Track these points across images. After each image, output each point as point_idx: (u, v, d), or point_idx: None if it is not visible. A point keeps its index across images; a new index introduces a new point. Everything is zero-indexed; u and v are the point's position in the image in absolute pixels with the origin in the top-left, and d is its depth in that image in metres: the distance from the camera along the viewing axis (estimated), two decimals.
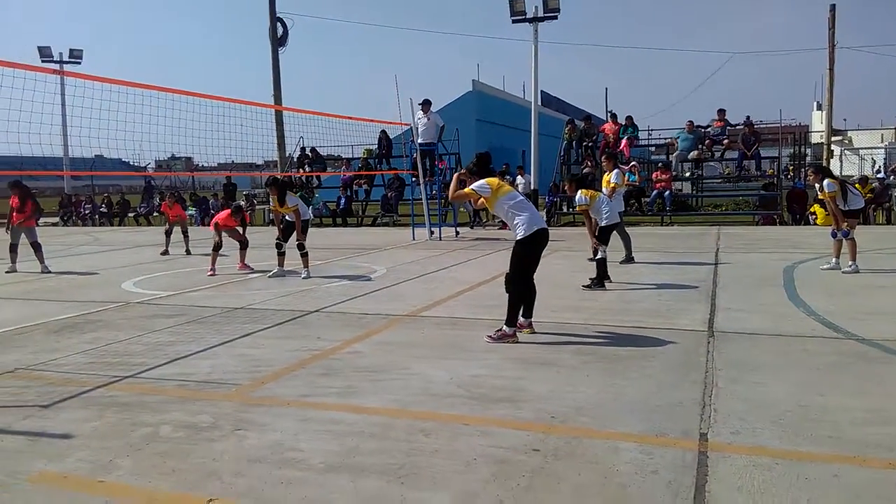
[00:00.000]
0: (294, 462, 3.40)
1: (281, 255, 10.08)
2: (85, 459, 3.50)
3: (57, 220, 27.82)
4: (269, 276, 9.90)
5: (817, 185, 9.49)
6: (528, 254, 5.80)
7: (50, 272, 11.05)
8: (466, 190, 5.93)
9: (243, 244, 10.87)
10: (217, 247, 10.64)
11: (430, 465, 3.32)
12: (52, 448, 3.66)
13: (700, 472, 3.17)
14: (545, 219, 19.40)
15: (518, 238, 5.78)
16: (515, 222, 5.77)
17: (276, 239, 10.16)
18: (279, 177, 12.90)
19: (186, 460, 3.46)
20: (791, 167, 30.91)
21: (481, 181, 5.87)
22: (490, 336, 5.77)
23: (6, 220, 11.92)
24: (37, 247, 11.32)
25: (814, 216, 17.35)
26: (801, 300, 7.27)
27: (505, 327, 5.76)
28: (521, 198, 5.99)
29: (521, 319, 5.91)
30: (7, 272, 11.12)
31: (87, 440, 3.75)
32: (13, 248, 11.40)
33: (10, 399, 4.52)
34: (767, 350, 5.37)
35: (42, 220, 27.28)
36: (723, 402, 4.15)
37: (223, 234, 10.80)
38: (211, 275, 10.18)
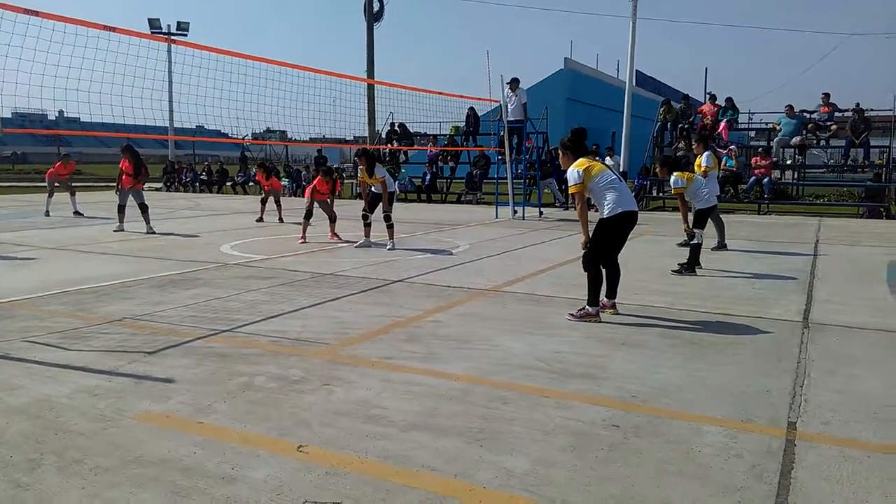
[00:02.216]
0: (377, 418, 3.53)
1: (367, 226, 10.32)
2: (185, 402, 3.75)
3: (160, 185, 29.36)
4: (356, 247, 10.16)
5: None
6: (607, 234, 5.72)
7: (155, 233, 11.73)
8: (576, 194, 5.77)
9: (332, 218, 11.19)
10: (308, 215, 10.98)
11: (509, 432, 3.38)
12: (155, 390, 3.94)
13: (786, 459, 3.09)
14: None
15: (601, 217, 5.72)
16: (604, 202, 5.70)
17: (363, 210, 10.41)
18: (369, 148, 13.18)
19: (278, 408, 3.65)
20: None
21: (572, 171, 5.74)
22: (572, 314, 5.75)
23: (116, 182, 12.70)
24: (144, 208, 12.02)
25: None
26: None
27: (587, 307, 5.73)
28: (614, 177, 5.83)
29: (603, 300, 5.86)
30: (115, 231, 11.88)
31: (188, 385, 4.01)
32: (121, 209, 12.14)
33: (117, 345, 4.87)
34: (865, 344, 5.12)
35: (147, 185, 28.95)
36: (814, 392, 4.00)
37: (315, 204, 11.13)
38: (301, 242, 10.55)
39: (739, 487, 2.83)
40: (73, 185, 16.12)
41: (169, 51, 20.63)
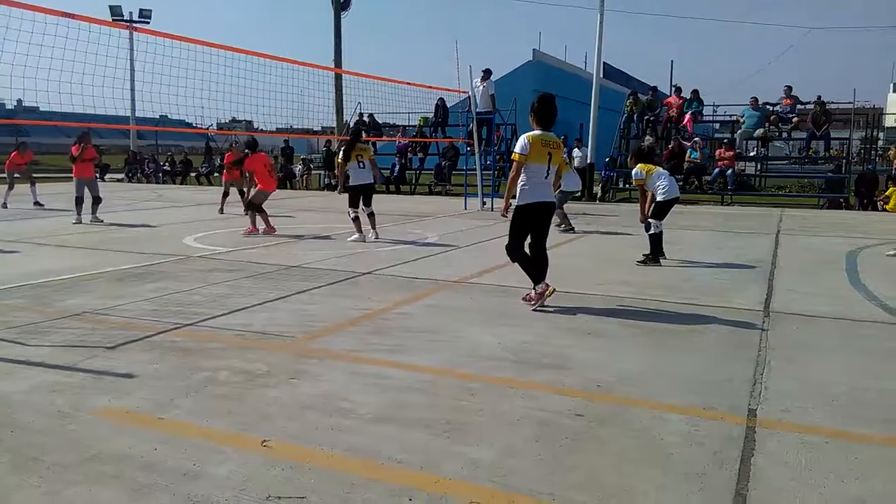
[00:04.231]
0: (344, 411, 3.51)
1: (355, 220, 9.88)
2: (146, 398, 3.68)
3: (122, 176, 28.78)
4: (349, 241, 9.75)
5: None
6: (521, 222, 5.79)
7: (102, 221, 11.67)
8: (515, 163, 5.78)
9: (246, 201, 10.75)
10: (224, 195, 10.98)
11: (475, 423, 3.39)
12: (115, 385, 3.86)
13: (747, 446, 3.15)
14: (599, 194, 18.96)
15: (516, 204, 5.79)
16: (524, 188, 5.74)
17: (352, 211, 9.90)
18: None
19: (242, 403, 3.61)
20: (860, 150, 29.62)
21: (524, 139, 5.71)
22: (528, 298, 5.84)
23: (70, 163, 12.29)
24: (97, 200, 11.82)
25: (886, 201, 16.65)
26: (863, 285, 7.04)
27: (535, 287, 5.82)
28: (540, 167, 5.73)
29: (537, 287, 5.91)
30: (74, 223, 11.61)
31: (149, 380, 3.94)
32: (79, 201, 11.86)
33: (77, 339, 4.77)
34: (825, 333, 5.24)
35: (108, 176, 28.42)
36: (775, 380, 4.09)
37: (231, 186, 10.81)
38: (248, 233, 10.38)
39: (701, 474, 2.88)
40: (34, 175, 15.71)
41: (131, 38, 20.19)
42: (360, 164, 9.92)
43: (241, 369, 4.15)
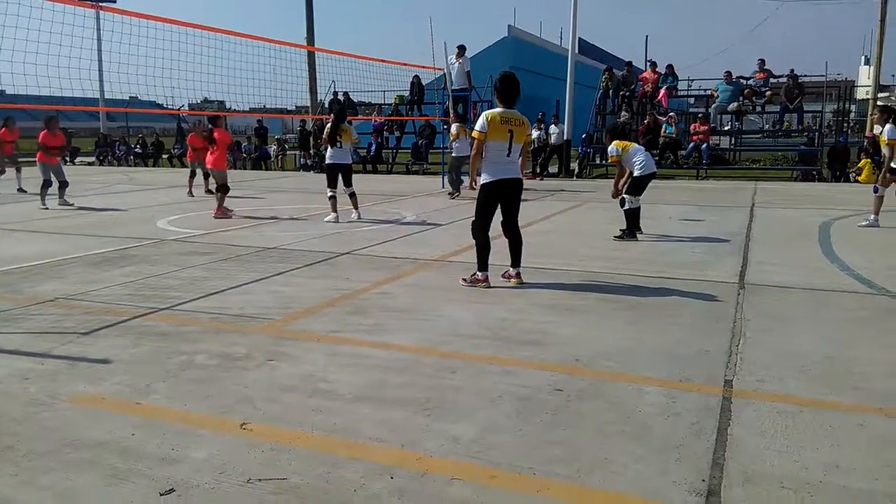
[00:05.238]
0: (324, 392, 3.50)
1: (332, 199, 9.78)
2: (123, 383, 3.63)
3: (93, 159, 28.24)
4: (325, 221, 9.69)
5: (877, 129, 9.17)
6: (486, 200, 5.80)
7: (71, 205, 11.42)
8: (476, 141, 5.76)
9: (211, 184, 10.70)
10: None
11: (455, 400, 3.40)
12: (91, 371, 3.81)
13: (723, 417, 3.20)
14: (576, 170, 19.00)
15: (482, 182, 5.81)
16: (487, 167, 5.76)
17: (329, 190, 9.83)
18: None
19: (220, 387, 3.58)
20: (832, 123, 29.95)
21: (482, 118, 5.74)
22: (464, 279, 5.89)
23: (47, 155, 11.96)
24: (64, 185, 11.56)
25: (858, 172, 16.89)
26: (836, 256, 7.15)
27: (477, 272, 5.85)
28: (500, 144, 5.70)
29: (509, 269, 5.94)
30: (41, 208, 11.30)
31: (125, 366, 3.89)
32: (46, 184, 11.57)
33: (50, 326, 4.69)
34: (798, 303, 5.32)
35: (78, 160, 27.86)
36: (750, 351, 4.14)
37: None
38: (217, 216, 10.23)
39: (678, 445, 2.91)
40: (19, 160, 15.11)
41: (98, 18, 19.68)
42: (339, 144, 9.83)
43: (219, 352, 4.11)
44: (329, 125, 9.95)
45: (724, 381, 3.65)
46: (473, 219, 5.90)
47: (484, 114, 5.77)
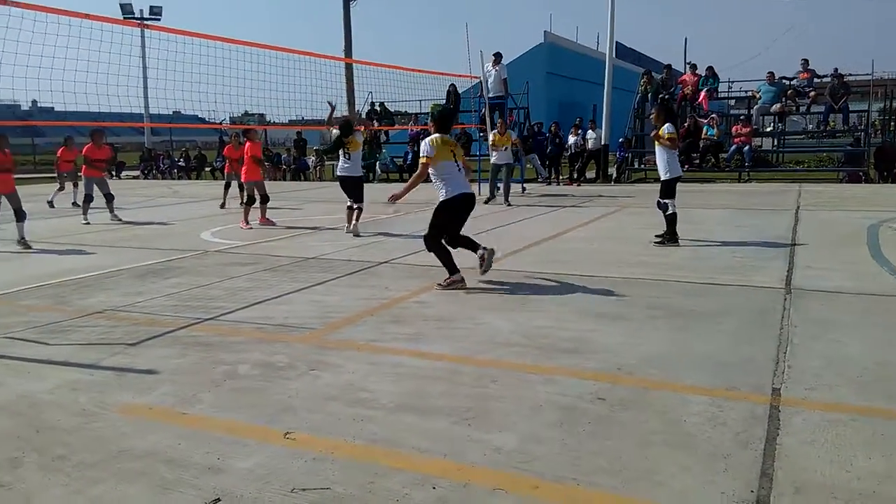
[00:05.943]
0: (365, 401, 3.52)
1: (350, 209, 9.80)
2: (169, 393, 3.71)
3: (138, 173, 28.97)
4: (348, 232, 9.70)
5: None
6: (447, 214, 6.08)
7: (119, 220, 11.66)
8: (423, 164, 6.08)
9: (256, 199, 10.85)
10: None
11: (497, 410, 3.38)
12: (138, 382, 3.89)
13: (771, 426, 3.12)
14: (614, 175, 18.89)
15: (442, 199, 6.05)
16: (443, 185, 6.04)
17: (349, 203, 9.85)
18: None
19: (264, 396, 3.63)
20: (878, 122, 29.08)
21: (426, 143, 6.07)
22: (440, 284, 6.01)
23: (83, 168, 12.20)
24: (110, 198, 11.82)
25: None
26: (886, 259, 6.93)
27: (450, 276, 6.03)
28: (449, 163, 6.07)
29: (479, 251, 6.16)
30: (84, 224, 11.55)
31: (171, 376, 3.97)
32: (88, 199, 11.82)
33: (98, 337, 4.81)
34: (847, 308, 5.17)
35: (124, 174, 28.63)
36: (798, 358, 4.04)
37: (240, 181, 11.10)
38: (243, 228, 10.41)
39: (725, 455, 2.85)
40: (79, 174, 15.60)
41: (143, 36, 20.27)
42: (346, 155, 9.75)
43: (263, 362, 4.17)
44: (335, 138, 9.92)
45: (771, 390, 3.56)
46: (427, 233, 6.13)
47: (426, 140, 6.16)
